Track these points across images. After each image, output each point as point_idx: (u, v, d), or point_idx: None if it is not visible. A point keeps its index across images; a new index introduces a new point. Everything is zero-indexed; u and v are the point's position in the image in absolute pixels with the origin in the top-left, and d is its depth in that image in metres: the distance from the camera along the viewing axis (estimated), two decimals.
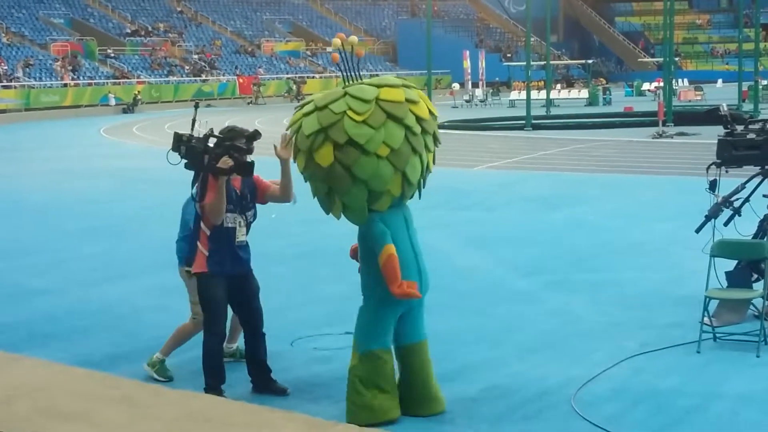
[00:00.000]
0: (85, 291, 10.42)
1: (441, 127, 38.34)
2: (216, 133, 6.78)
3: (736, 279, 8.73)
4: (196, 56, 64.07)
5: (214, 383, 6.87)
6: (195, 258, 6.85)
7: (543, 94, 45.37)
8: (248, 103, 57.47)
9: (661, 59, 48.12)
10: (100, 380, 5.88)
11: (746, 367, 7.46)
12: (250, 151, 6.69)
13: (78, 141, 33.71)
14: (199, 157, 6.70)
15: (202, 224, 6.79)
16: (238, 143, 6.65)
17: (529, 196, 17.53)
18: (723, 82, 64.30)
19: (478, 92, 53.71)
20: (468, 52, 60.53)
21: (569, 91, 54.82)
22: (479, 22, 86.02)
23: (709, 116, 9.85)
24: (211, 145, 6.71)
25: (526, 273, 11.06)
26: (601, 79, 68.77)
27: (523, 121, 34.09)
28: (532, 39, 42.81)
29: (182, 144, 6.79)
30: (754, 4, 45.24)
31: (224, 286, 6.83)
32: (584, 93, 51.71)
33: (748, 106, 38.18)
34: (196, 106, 7.22)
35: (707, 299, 8.04)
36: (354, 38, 6.41)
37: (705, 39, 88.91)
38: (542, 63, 55.40)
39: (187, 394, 5.63)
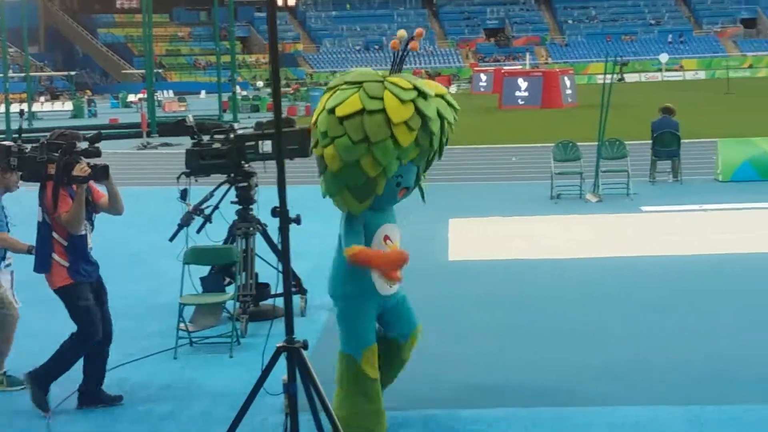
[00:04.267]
0: None
1: None
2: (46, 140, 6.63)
3: (209, 284, 9.09)
4: None
5: (51, 378, 6.75)
6: (52, 272, 6.68)
7: (25, 106, 43.82)
8: None
9: (145, 71, 48.71)
10: None
11: (220, 368, 7.82)
12: (99, 153, 6.64)
13: None
14: (41, 168, 6.54)
15: (55, 235, 6.66)
16: (83, 148, 6.56)
17: None
18: (207, 93, 66.57)
19: None
20: None
21: (53, 104, 53.60)
22: None
23: (177, 128, 10.18)
24: (54, 154, 6.52)
25: None
26: (87, 91, 68.09)
27: (3, 135, 32.68)
28: (11, 49, 41.11)
29: (12, 156, 6.62)
30: (230, 19, 47.33)
31: (90, 292, 6.74)
32: (69, 105, 50.85)
33: (228, 116, 39.87)
34: (21, 114, 6.41)
35: (182, 306, 8.29)
36: (403, 32, 6.22)
37: (187, 51, 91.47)
38: (23, 75, 53.53)
39: None
